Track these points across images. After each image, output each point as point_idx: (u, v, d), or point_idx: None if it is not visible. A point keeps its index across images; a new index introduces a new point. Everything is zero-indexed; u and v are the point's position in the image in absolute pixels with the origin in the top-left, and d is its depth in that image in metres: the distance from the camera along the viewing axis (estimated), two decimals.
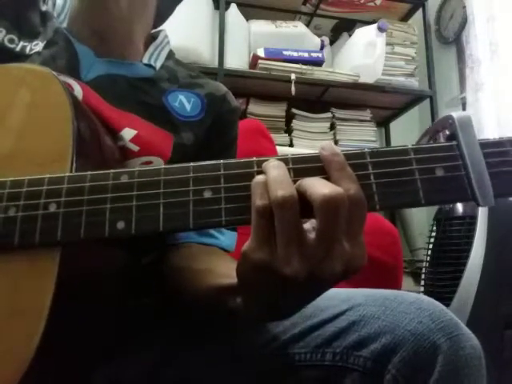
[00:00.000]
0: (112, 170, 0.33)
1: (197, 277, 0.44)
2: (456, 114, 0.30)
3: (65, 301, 0.32)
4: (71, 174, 0.34)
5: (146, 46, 0.61)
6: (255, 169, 0.31)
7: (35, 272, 0.32)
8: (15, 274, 0.32)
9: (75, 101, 0.39)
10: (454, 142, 0.30)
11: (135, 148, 0.50)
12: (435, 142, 0.32)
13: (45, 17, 0.55)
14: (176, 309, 0.51)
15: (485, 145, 0.30)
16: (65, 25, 0.56)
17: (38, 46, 0.53)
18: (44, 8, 0.55)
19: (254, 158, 0.32)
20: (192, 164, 0.32)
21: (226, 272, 0.39)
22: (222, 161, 0.32)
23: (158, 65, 0.60)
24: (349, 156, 0.31)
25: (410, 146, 0.31)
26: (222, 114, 0.60)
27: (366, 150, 0.31)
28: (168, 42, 0.64)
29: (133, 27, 0.57)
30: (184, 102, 0.57)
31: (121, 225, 0.31)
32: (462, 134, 0.30)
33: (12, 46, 0.51)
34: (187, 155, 0.55)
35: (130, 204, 0.31)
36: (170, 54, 0.63)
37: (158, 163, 0.52)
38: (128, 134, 0.50)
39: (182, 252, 0.51)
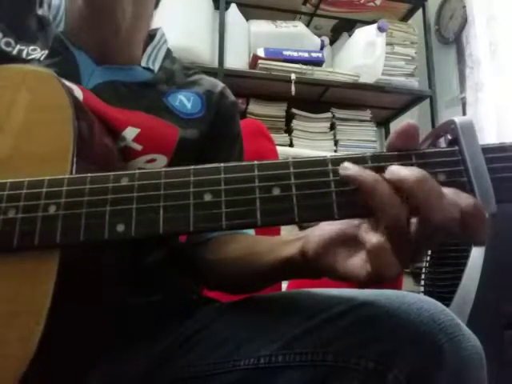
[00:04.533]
0: (112, 173, 0.33)
1: (242, 262, 0.46)
2: (458, 118, 0.30)
3: (64, 302, 0.32)
4: (71, 176, 0.34)
5: (144, 46, 0.61)
6: (256, 172, 0.31)
7: (34, 274, 0.32)
8: (14, 275, 0.32)
9: (76, 101, 0.39)
10: (456, 147, 0.30)
11: (138, 147, 0.50)
12: (435, 147, 0.32)
13: (42, 22, 0.54)
14: (177, 309, 0.51)
15: (487, 150, 0.29)
16: (61, 27, 0.56)
17: (36, 51, 0.52)
18: (40, 12, 0.55)
19: (255, 162, 0.31)
20: (192, 167, 0.32)
21: (267, 249, 0.42)
22: (222, 164, 0.32)
23: (157, 67, 0.60)
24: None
25: (413, 151, 0.31)
26: (221, 110, 0.61)
27: (368, 153, 0.31)
28: (165, 41, 0.65)
29: (135, 34, 0.57)
30: (184, 101, 0.58)
31: (121, 227, 0.31)
32: (464, 138, 0.29)
33: (8, 49, 0.51)
34: (191, 151, 0.55)
35: (130, 207, 0.31)
36: (167, 53, 0.64)
37: (161, 160, 0.52)
38: (131, 133, 0.50)
39: (213, 246, 0.52)
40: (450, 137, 0.30)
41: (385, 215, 0.28)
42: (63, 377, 0.36)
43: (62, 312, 0.32)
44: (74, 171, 0.35)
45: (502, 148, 0.29)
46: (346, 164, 0.30)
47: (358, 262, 0.30)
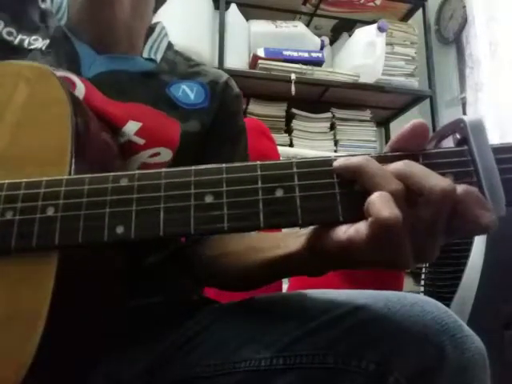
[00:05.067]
0: (112, 173, 0.32)
1: (242, 258, 0.45)
2: (467, 117, 0.29)
3: (64, 303, 0.31)
4: (69, 177, 0.33)
5: (145, 39, 0.61)
6: (259, 172, 0.31)
7: (32, 276, 0.32)
8: (12, 277, 0.32)
9: (74, 98, 0.39)
10: (466, 147, 0.29)
11: (140, 141, 0.50)
12: (441, 146, 0.31)
13: (44, 14, 0.55)
14: (178, 310, 0.51)
15: (497, 150, 0.29)
16: (64, 21, 0.56)
17: (37, 41, 0.53)
18: (43, 6, 0.55)
19: (258, 162, 0.31)
20: (194, 167, 0.32)
21: (269, 245, 0.40)
22: (224, 164, 0.31)
23: (159, 57, 0.60)
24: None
25: (420, 151, 0.30)
26: (226, 101, 0.60)
27: (373, 154, 0.31)
28: (166, 34, 0.64)
29: (135, 24, 0.57)
30: (187, 91, 0.57)
31: (120, 229, 0.30)
32: (474, 138, 0.29)
33: (10, 38, 0.52)
34: (194, 144, 0.55)
35: (129, 208, 0.31)
36: (169, 45, 0.64)
37: (166, 154, 0.51)
38: (132, 127, 0.50)
39: (211, 242, 0.52)
40: (458, 136, 0.29)
41: (379, 189, 0.28)
42: (63, 378, 0.36)
43: (61, 314, 0.31)
44: (72, 167, 0.34)
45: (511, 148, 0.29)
46: (338, 159, 0.31)
47: (360, 224, 0.29)
